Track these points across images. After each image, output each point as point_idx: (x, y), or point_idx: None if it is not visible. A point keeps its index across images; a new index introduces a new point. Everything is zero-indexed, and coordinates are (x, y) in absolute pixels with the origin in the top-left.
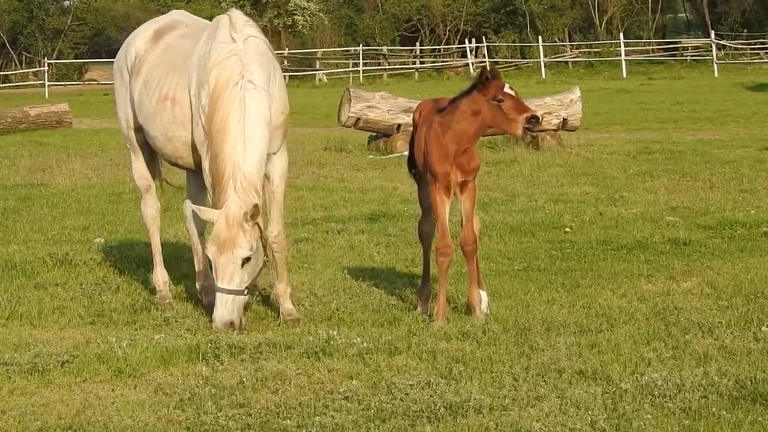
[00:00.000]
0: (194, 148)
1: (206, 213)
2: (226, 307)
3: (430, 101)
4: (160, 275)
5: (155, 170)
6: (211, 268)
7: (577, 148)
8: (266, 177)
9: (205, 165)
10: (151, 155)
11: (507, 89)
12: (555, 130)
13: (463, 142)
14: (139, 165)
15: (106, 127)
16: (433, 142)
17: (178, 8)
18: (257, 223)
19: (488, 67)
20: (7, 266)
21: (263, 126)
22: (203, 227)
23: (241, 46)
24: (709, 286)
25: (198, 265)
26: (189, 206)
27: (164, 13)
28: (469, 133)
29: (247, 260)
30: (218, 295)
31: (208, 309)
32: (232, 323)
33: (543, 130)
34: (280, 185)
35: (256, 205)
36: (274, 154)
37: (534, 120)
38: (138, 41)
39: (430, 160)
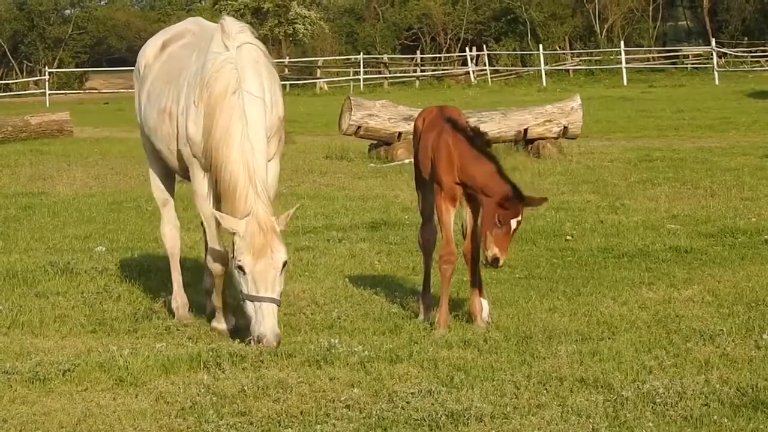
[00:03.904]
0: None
1: (229, 221)
2: (275, 317)
3: (434, 108)
4: (179, 298)
5: (172, 184)
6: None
7: (577, 156)
8: None
9: (198, 178)
10: (166, 168)
11: (514, 222)
12: (556, 138)
13: (464, 179)
14: (155, 177)
15: (107, 136)
16: (443, 152)
17: (178, 17)
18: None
19: (524, 195)
20: (8, 275)
21: (263, 133)
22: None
23: (234, 54)
24: (710, 294)
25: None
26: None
27: (165, 23)
28: (469, 176)
29: (284, 264)
30: (264, 305)
31: (211, 314)
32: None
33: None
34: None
35: (287, 214)
36: (269, 161)
37: (495, 261)
38: (148, 51)
39: (437, 170)
